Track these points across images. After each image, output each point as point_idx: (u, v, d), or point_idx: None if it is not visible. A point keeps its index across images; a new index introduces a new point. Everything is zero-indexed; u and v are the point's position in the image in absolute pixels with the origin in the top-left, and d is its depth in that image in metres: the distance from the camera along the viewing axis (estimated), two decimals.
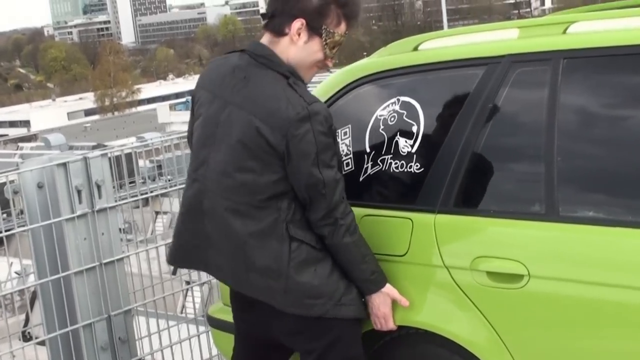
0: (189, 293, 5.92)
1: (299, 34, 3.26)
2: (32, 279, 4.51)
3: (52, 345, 4.31)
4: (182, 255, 3.46)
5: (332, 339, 3.34)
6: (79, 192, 4.23)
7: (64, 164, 4.20)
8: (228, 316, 3.82)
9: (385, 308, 3.37)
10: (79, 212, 4.24)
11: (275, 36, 3.30)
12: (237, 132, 3.21)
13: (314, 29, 3.27)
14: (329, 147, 3.21)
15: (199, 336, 4.98)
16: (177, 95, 75.94)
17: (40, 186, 4.22)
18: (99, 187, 4.29)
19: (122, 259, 4.44)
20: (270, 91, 3.21)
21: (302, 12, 3.26)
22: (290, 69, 3.26)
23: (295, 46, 3.28)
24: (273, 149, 3.16)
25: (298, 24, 3.26)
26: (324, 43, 3.29)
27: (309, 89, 3.32)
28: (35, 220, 4.21)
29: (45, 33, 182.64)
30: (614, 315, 2.96)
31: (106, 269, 4.34)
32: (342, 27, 3.33)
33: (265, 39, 3.33)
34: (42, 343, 4.46)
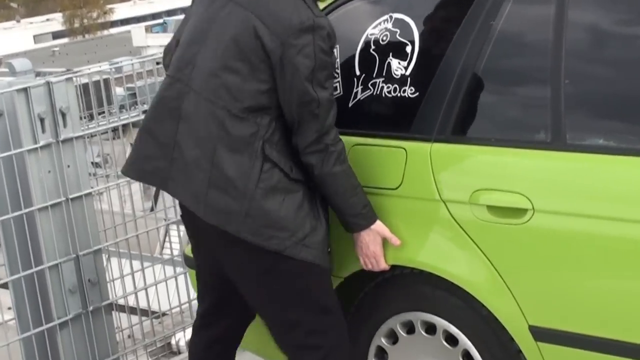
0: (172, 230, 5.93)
1: None
2: None
3: (16, 288, 4.32)
4: (140, 165, 3.41)
5: (290, 286, 3.33)
6: (41, 120, 4.19)
7: (25, 90, 4.16)
8: None
9: (375, 246, 3.37)
10: (42, 143, 4.20)
11: None
12: (232, 30, 3.21)
13: None
14: (327, 67, 3.21)
15: (176, 278, 4.99)
16: (154, 16, 75.39)
17: None
18: (63, 115, 4.25)
19: (90, 194, 4.42)
20: None
21: None
22: None
23: None
24: (266, 54, 3.16)
25: None
26: None
27: None
28: None
29: None
30: (626, 253, 2.96)
31: (73, 204, 4.32)
32: None
33: None
34: (4, 286, 4.47)
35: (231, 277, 3.43)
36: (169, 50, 3.54)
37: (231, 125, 3.20)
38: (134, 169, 3.45)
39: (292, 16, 3.15)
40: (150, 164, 3.37)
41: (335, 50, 3.24)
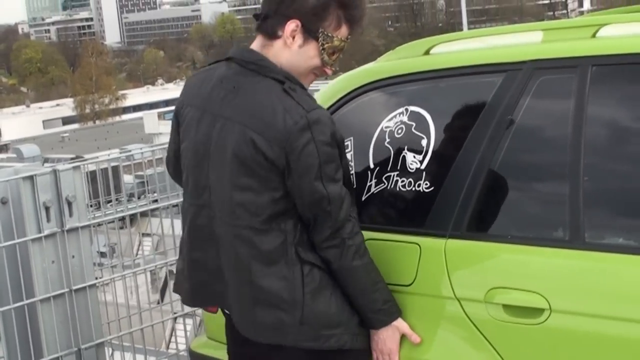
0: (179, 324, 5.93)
1: (294, 37, 3.27)
2: None
3: None
4: (199, 292, 3.45)
5: None
6: (47, 209, 4.24)
7: (31, 177, 4.21)
8: (213, 351, 3.83)
9: (392, 344, 3.37)
10: (46, 232, 4.25)
11: (268, 39, 3.31)
12: (231, 147, 3.22)
13: (310, 32, 3.28)
14: (333, 159, 3.21)
15: None
16: (167, 103, 75.94)
17: (3, 202, 4.23)
18: (69, 203, 4.30)
19: (94, 285, 4.44)
20: (265, 100, 3.21)
21: (297, 13, 3.26)
22: (286, 73, 3.26)
23: (290, 50, 3.28)
24: (271, 164, 3.17)
25: (292, 25, 3.26)
26: (321, 48, 3.29)
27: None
28: None
29: (20, 31, 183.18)
30: None
31: (76, 296, 4.34)
32: (343, 30, 3.32)
33: (257, 42, 3.34)
34: None
35: None
36: (169, 161, 3.60)
37: (259, 241, 3.22)
38: (195, 297, 3.50)
39: (285, 119, 3.14)
40: (211, 289, 3.40)
41: (339, 136, 3.23)
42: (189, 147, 3.37)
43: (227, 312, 3.46)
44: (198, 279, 3.42)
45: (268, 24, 3.31)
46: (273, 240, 3.22)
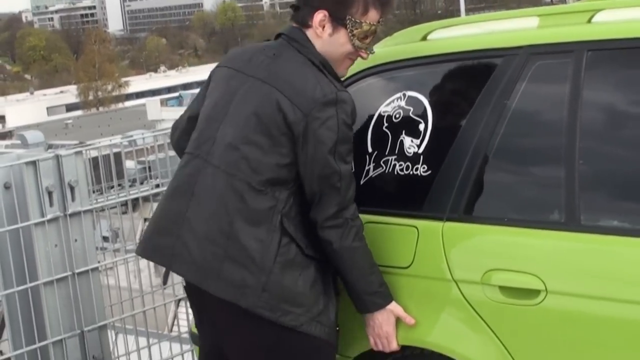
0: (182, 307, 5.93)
1: (323, 26, 3.34)
2: None
3: None
4: (148, 243, 3.44)
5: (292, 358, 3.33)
6: (49, 193, 4.24)
7: (34, 163, 4.21)
8: None
9: (388, 326, 3.38)
10: (49, 216, 4.25)
11: (302, 28, 3.39)
12: (253, 104, 3.27)
13: (338, 20, 3.34)
14: (349, 140, 3.26)
15: (182, 355, 4.99)
16: (169, 90, 76.07)
17: (7, 187, 4.23)
18: (72, 188, 4.30)
19: (97, 268, 4.44)
20: (300, 70, 3.29)
21: (324, 3, 3.33)
22: (323, 60, 3.33)
23: (321, 39, 3.36)
24: (289, 127, 3.21)
25: (320, 15, 3.33)
26: (351, 34, 3.34)
27: None
28: (0, 224, 4.22)
29: (24, 19, 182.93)
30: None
31: (79, 279, 4.34)
32: (372, 15, 3.37)
33: None
34: None
35: (235, 354, 3.42)
36: (176, 127, 3.61)
37: (250, 198, 3.23)
38: (142, 248, 3.48)
39: (315, 89, 3.21)
40: (156, 241, 3.40)
41: (354, 125, 3.28)
42: (211, 102, 3.41)
43: (186, 280, 3.44)
44: (154, 226, 3.42)
45: (299, 14, 3.40)
46: (263, 202, 3.23)
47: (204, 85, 3.53)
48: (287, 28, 3.43)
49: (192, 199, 3.31)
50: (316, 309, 3.29)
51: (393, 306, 3.37)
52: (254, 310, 3.22)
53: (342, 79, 3.47)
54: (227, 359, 3.47)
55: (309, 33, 3.36)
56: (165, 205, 3.42)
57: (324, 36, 3.35)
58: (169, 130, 3.72)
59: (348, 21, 3.32)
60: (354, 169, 3.51)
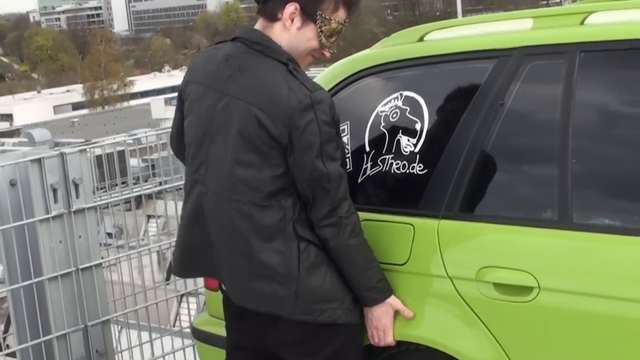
0: (184, 302, 5.94)
1: (292, 20, 3.29)
2: None
3: (24, 357, 4.32)
4: (188, 262, 3.47)
5: (334, 349, 3.35)
6: (54, 190, 4.24)
7: (39, 160, 4.22)
8: (214, 328, 3.83)
9: (386, 320, 3.38)
10: (54, 213, 4.25)
11: (269, 21, 3.33)
12: (235, 124, 3.23)
13: (308, 15, 3.30)
14: (333, 139, 3.23)
15: (184, 350, 4.99)
16: (173, 89, 75.57)
17: (12, 184, 4.23)
18: (76, 185, 4.30)
19: (100, 264, 4.44)
20: (270, 79, 3.23)
21: None
22: (288, 55, 3.28)
23: (288, 32, 3.30)
24: (274, 140, 3.18)
25: (291, 8, 3.28)
26: (319, 30, 3.31)
27: None
28: (6, 220, 4.23)
29: (31, 19, 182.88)
30: (631, 333, 2.95)
31: (83, 275, 4.35)
32: (341, 13, 3.34)
33: (259, 24, 3.36)
34: (13, 354, 4.47)
35: (276, 351, 3.43)
36: (172, 138, 3.62)
37: (259, 216, 3.23)
38: (184, 267, 3.51)
39: (289, 98, 3.16)
40: (199, 261, 3.43)
41: (337, 118, 3.24)
42: (193, 122, 3.37)
43: (223, 287, 3.47)
44: (185, 250, 3.45)
45: (268, 6, 3.33)
46: (272, 216, 3.23)
47: (178, 100, 3.49)
48: (245, 31, 3.38)
49: (208, 224, 3.33)
50: (348, 299, 3.32)
51: (392, 300, 3.37)
52: (292, 318, 3.26)
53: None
54: (261, 353, 3.48)
55: (276, 26, 3.31)
56: (187, 234, 3.43)
57: (292, 29, 3.30)
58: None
59: (318, 17, 3.30)
60: (350, 166, 3.52)
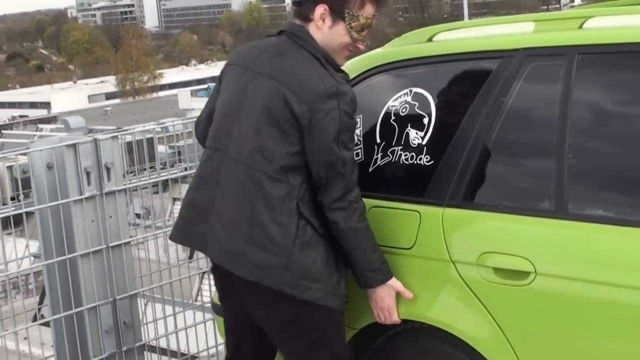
0: (205, 279, 5.93)
1: (323, 19, 3.34)
2: None
3: (57, 327, 4.33)
4: (182, 231, 3.46)
5: (312, 326, 3.35)
6: (87, 173, 4.24)
7: (74, 145, 4.22)
8: None
9: (389, 300, 3.38)
10: (87, 194, 4.25)
11: (304, 22, 3.38)
12: (263, 99, 3.26)
13: (337, 13, 3.34)
14: (350, 129, 3.25)
15: (204, 323, 4.99)
16: (199, 82, 75.89)
17: (49, 167, 4.23)
18: (108, 169, 4.30)
19: (129, 242, 4.45)
20: (302, 66, 3.28)
21: None
22: (324, 53, 3.32)
23: (322, 31, 3.35)
24: (296, 119, 3.21)
25: (321, 9, 3.33)
26: (349, 27, 3.35)
27: None
28: (43, 200, 4.23)
29: (69, 15, 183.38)
30: (619, 317, 2.95)
31: (113, 252, 4.35)
32: (368, 9, 3.38)
33: None
34: (47, 324, 4.48)
35: (260, 324, 3.45)
36: (199, 122, 3.60)
37: (268, 186, 3.24)
38: (178, 235, 3.50)
39: (317, 84, 3.20)
40: (191, 230, 3.42)
41: (357, 117, 3.27)
42: (225, 99, 3.40)
43: (215, 262, 3.45)
44: (186, 216, 3.45)
45: (302, 9, 3.39)
46: (280, 189, 3.24)
47: (217, 81, 3.52)
48: (289, 25, 3.43)
49: (217, 190, 3.32)
50: (331, 283, 3.30)
51: (393, 282, 3.37)
52: (277, 287, 3.25)
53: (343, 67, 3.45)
54: (251, 328, 3.49)
55: (311, 27, 3.36)
56: (194, 196, 3.43)
57: (324, 28, 3.35)
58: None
59: (346, 14, 3.33)
60: (362, 157, 3.52)
